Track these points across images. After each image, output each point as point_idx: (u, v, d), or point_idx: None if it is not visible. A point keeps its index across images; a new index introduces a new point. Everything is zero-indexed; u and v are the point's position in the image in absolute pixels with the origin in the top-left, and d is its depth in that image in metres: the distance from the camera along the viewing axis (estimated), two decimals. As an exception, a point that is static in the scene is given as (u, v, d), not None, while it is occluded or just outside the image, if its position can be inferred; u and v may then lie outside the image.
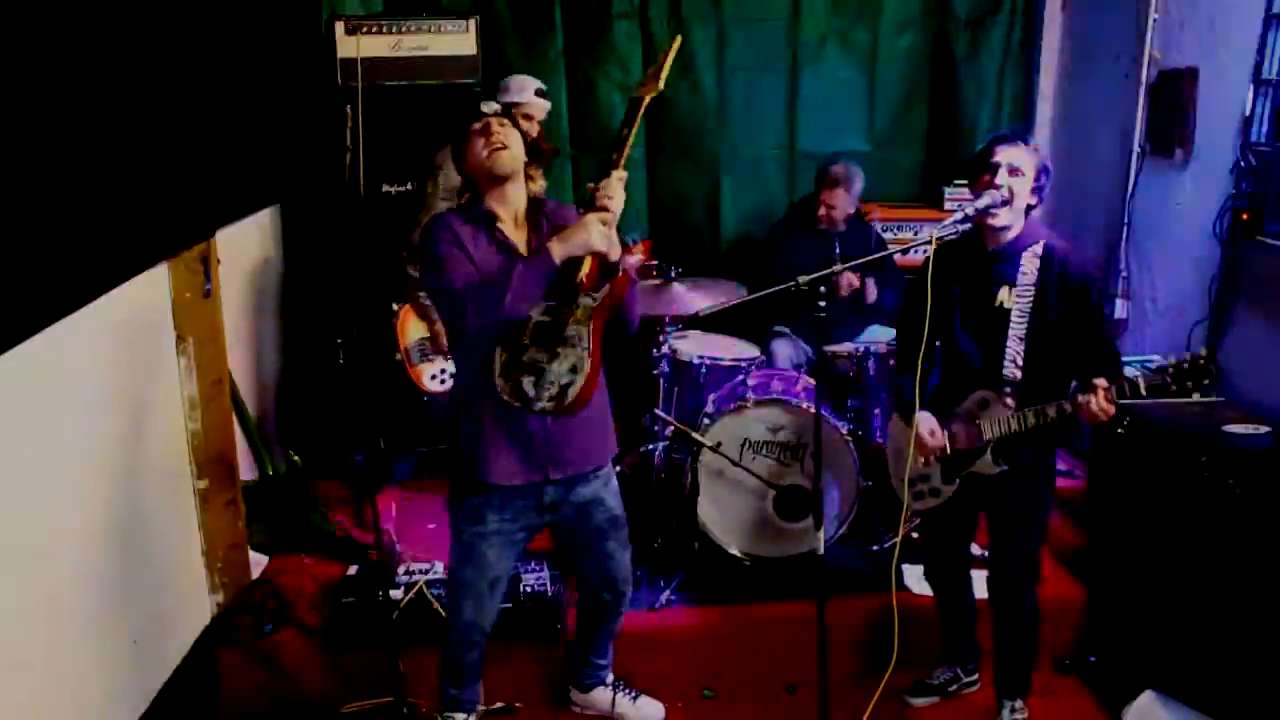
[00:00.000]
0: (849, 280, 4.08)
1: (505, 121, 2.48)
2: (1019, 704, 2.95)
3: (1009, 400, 2.67)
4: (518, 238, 2.52)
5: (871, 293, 4.18)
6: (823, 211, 4.24)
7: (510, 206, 2.53)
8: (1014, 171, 2.60)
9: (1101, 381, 2.45)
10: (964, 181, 4.52)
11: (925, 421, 2.80)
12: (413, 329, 3.72)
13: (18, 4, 2.14)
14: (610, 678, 3.06)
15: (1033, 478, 2.76)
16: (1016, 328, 2.64)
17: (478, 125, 2.46)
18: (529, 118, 3.67)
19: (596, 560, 2.79)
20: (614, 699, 3.03)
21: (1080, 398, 2.49)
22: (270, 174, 4.12)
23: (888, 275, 4.26)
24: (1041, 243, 2.66)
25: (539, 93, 3.67)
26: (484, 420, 2.52)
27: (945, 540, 2.99)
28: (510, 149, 2.46)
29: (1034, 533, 2.83)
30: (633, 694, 3.06)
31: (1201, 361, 2.39)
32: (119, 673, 2.69)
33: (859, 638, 3.15)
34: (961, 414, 2.76)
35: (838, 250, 4.09)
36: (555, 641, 3.21)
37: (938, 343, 2.84)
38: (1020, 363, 2.64)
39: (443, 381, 3.74)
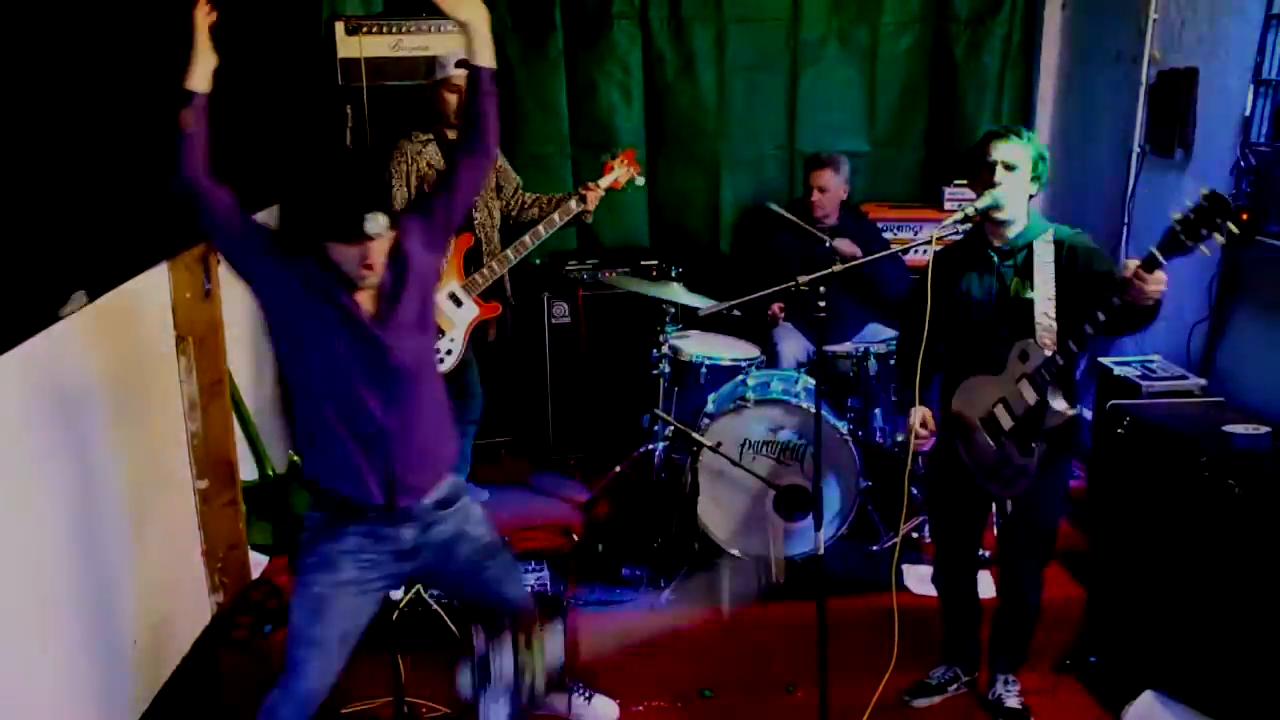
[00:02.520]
0: (850, 249, 4.09)
1: (388, 237, 2.23)
2: (1012, 677, 3.02)
3: (1049, 343, 2.60)
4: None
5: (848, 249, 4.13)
6: (815, 197, 4.20)
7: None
8: (1010, 168, 2.61)
9: (1131, 261, 2.35)
10: (964, 181, 4.53)
11: (917, 412, 2.84)
12: None
13: (19, 4, 2.14)
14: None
15: (1054, 476, 2.77)
16: (1041, 290, 2.61)
17: (355, 244, 2.18)
18: (456, 89, 3.72)
19: (484, 593, 2.60)
20: (569, 700, 2.94)
21: (1131, 286, 2.34)
22: (270, 174, 4.12)
23: (891, 269, 4.23)
24: (1050, 230, 2.69)
25: (461, 63, 3.71)
26: (325, 434, 2.35)
27: (956, 541, 3.00)
28: (378, 269, 2.25)
29: (1052, 528, 2.88)
30: (587, 694, 3.00)
31: (1206, 203, 2.19)
32: (119, 673, 2.69)
33: (859, 638, 3.15)
34: (1010, 377, 2.68)
35: (828, 243, 4.08)
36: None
37: (940, 347, 2.84)
38: (1052, 313, 2.61)
39: (441, 361, 3.78)
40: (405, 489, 2.37)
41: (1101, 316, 2.46)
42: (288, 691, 2.38)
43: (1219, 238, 2.21)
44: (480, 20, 2.41)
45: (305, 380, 2.34)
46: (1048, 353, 2.59)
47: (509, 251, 3.85)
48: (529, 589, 2.74)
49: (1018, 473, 2.72)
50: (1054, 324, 2.61)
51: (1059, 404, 2.62)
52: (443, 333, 3.80)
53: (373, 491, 2.33)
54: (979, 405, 2.77)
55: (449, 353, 3.82)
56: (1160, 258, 2.30)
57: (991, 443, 2.74)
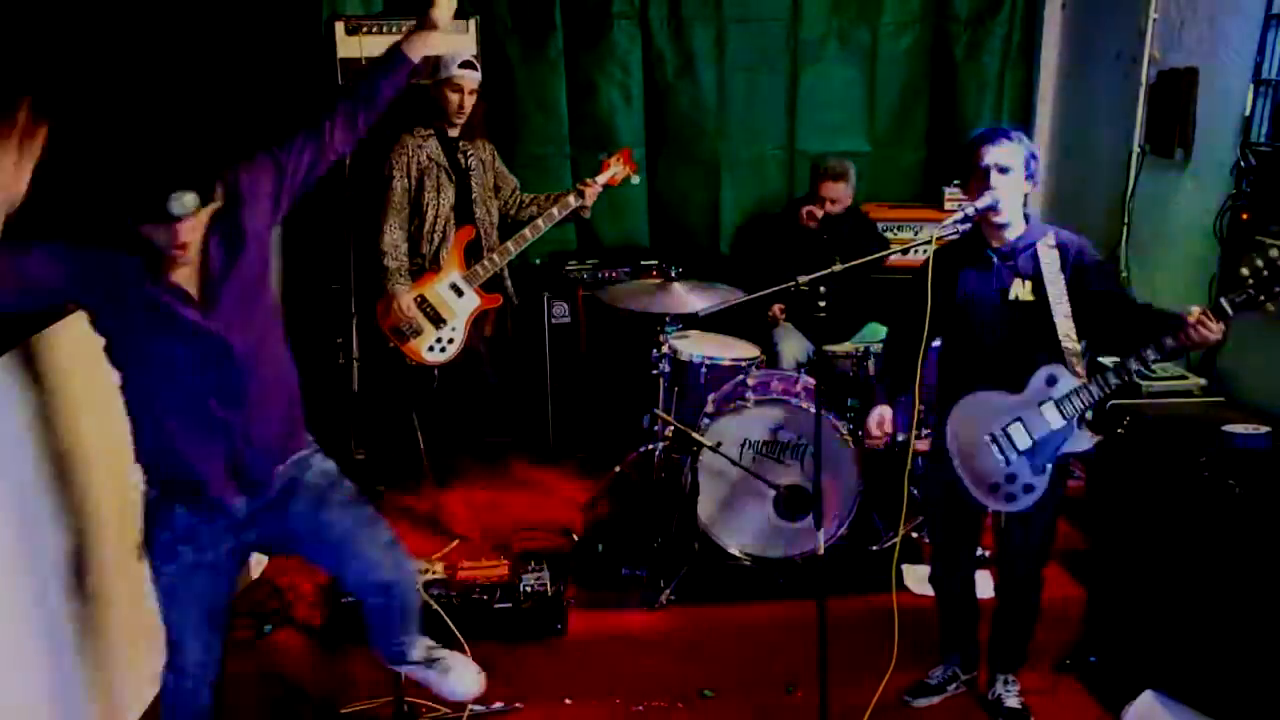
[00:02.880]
0: (809, 211, 4.26)
1: (202, 214, 2.05)
2: (1012, 677, 3.03)
3: (1079, 370, 2.63)
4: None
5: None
6: (828, 208, 4.25)
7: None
8: (1003, 170, 2.63)
9: (1195, 307, 2.40)
10: (959, 182, 4.54)
11: (875, 413, 2.95)
12: (392, 310, 3.81)
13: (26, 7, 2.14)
14: (417, 651, 2.69)
15: (1053, 478, 2.76)
16: (1058, 308, 2.62)
17: (164, 227, 2.00)
18: (459, 89, 3.76)
19: (338, 554, 2.45)
20: (424, 675, 2.71)
21: (1187, 330, 2.39)
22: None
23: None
24: (1051, 234, 2.69)
25: (465, 63, 3.76)
26: (158, 428, 2.22)
27: (953, 541, 3.00)
28: (192, 249, 2.08)
29: (1051, 529, 2.88)
30: (441, 663, 2.70)
31: (1279, 260, 2.24)
32: (119, 673, 2.69)
33: (859, 638, 3.15)
34: (1031, 399, 2.68)
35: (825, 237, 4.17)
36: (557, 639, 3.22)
37: (936, 343, 2.84)
38: (1075, 335, 2.62)
39: (443, 349, 3.86)
40: (250, 480, 2.28)
41: (1153, 356, 2.48)
42: (178, 668, 2.38)
43: None
44: (443, 20, 2.42)
45: (136, 378, 2.20)
46: (1078, 381, 2.61)
47: (509, 244, 3.91)
48: (400, 557, 2.54)
49: (1024, 490, 2.71)
50: (1078, 347, 2.62)
51: (1083, 433, 2.65)
52: (444, 321, 3.85)
53: (213, 485, 2.23)
54: (988, 421, 2.74)
55: (450, 341, 3.87)
56: (1229, 310, 2.34)
57: (1001, 458, 2.72)
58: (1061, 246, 2.66)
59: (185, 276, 2.14)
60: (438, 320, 3.84)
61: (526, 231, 3.90)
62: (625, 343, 4.52)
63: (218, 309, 2.16)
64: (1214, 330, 2.36)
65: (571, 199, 3.94)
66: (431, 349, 3.85)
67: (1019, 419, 2.69)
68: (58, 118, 1.91)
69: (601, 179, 4.00)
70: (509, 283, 4.09)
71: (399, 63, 2.42)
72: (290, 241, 4.42)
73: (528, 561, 3.52)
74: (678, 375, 3.94)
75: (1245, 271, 2.29)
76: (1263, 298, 2.29)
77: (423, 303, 3.82)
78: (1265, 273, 2.27)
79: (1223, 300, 2.35)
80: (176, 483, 2.25)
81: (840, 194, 4.27)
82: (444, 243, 3.84)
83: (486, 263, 3.88)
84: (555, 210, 3.94)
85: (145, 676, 2.81)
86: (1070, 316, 2.62)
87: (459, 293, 3.86)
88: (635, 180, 4.16)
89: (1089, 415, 2.69)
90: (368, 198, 3.81)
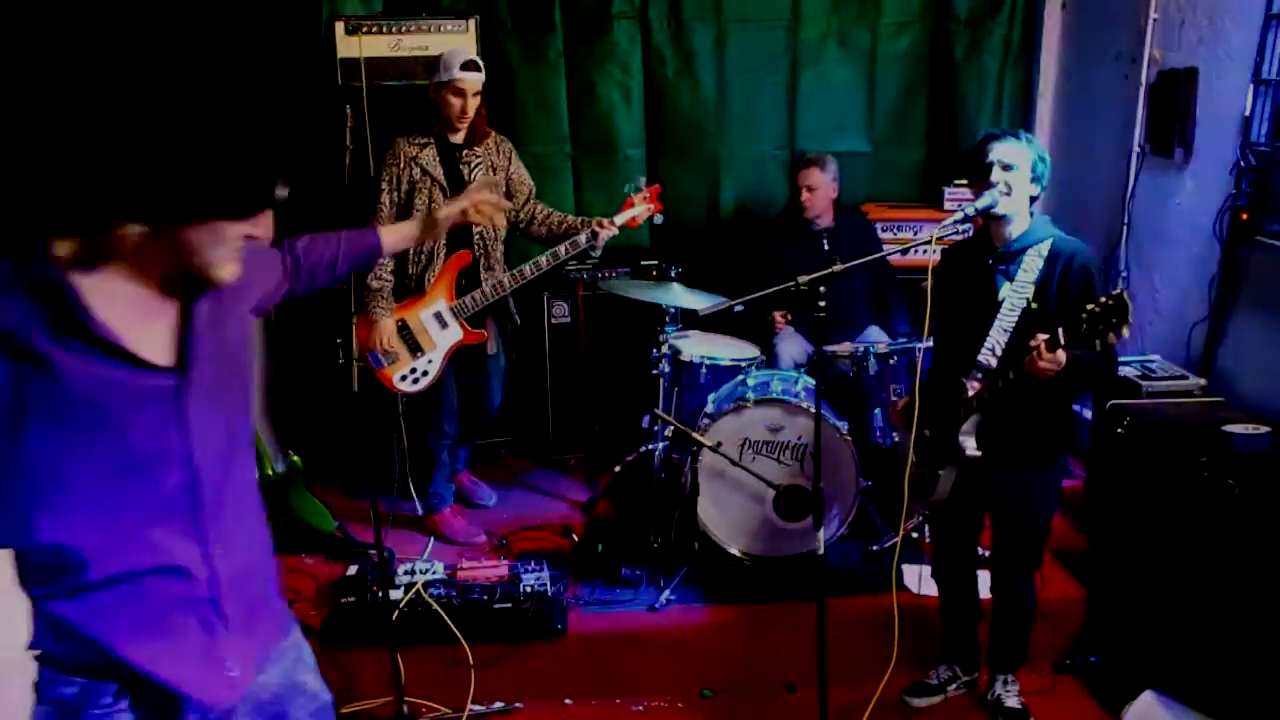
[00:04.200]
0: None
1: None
2: (1011, 677, 3.04)
3: (974, 384, 2.68)
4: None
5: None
6: (805, 196, 4.25)
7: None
8: (1007, 167, 2.64)
9: (1041, 335, 2.44)
10: (964, 181, 4.55)
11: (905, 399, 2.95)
12: (371, 335, 3.71)
13: (24, 6, 2.15)
14: None
15: (1041, 479, 2.78)
16: (1004, 320, 2.66)
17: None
18: (460, 93, 3.62)
19: None
20: None
21: (1027, 358, 2.46)
22: (270, 174, 4.11)
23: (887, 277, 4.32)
24: (1049, 242, 2.68)
25: (467, 64, 3.62)
26: (94, 586, 1.49)
27: (952, 539, 3.00)
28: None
29: (1038, 532, 2.87)
30: None
31: (1111, 302, 2.31)
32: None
33: (859, 638, 3.15)
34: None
35: (826, 246, 4.15)
36: (557, 639, 3.22)
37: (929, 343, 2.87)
38: (998, 352, 2.66)
39: (415, 381, 3.74)
40: (235, 663, 1.57)
41: (1000, 384, 2.56)
42: None
43: (1113, 338, 2.33)
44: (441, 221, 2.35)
45: (55, 507, 1.42)
46: (969, 394, 2.66)
47: (505, 279, 3.75)
48: None
49: (926, 491, 2.81)
50: (993, 365, 2.66)
51: (968, 442, 2.70)
52: (422, 352, 3.73)
53: (189, 677, 1.52)
54: (921, 418, 2.84)
55: (424, 374, 3.73)
56: (1061, 340, 2.40)
57: (913, 455, 2.81)
58: (1052, 257, 2.65)
59: (156, 332, 1.51)
60: (415, 349, 3.71)
61: (527, 269, 3.73)
62: (625, 343, 4.52)
63: (194, 386, 1.51)
64: (1048, 360, 2.40)
65: (583, 239, 3.73)
66: (404, 378, 3.71)
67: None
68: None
69: (620, 220, 3.77)
70: (512, 303, 3.95)
71: (374, 247, 2.19)
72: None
73: (528, 561, 3.53)
74: (678, 375, 3.94)
75: (1090, 305, 2.36)
76: (1090, 336, 2.37)
77: (403, 328, 3.69)
78: (1098, 311, 2.35)
79: (1060, 330, 2.41)
80: (129, 675, 1.50)
81: (816, 181, 4.24)
82: (431, 265, 3.68)
83: (478, 295, 3.72)
84: (563, 249, 3.72)
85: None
86: (1009, 332, 2.65)
87: (443, 324, 3.71)
88: (659, 220, 3.94)
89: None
90: (366, 197, 3.79)
